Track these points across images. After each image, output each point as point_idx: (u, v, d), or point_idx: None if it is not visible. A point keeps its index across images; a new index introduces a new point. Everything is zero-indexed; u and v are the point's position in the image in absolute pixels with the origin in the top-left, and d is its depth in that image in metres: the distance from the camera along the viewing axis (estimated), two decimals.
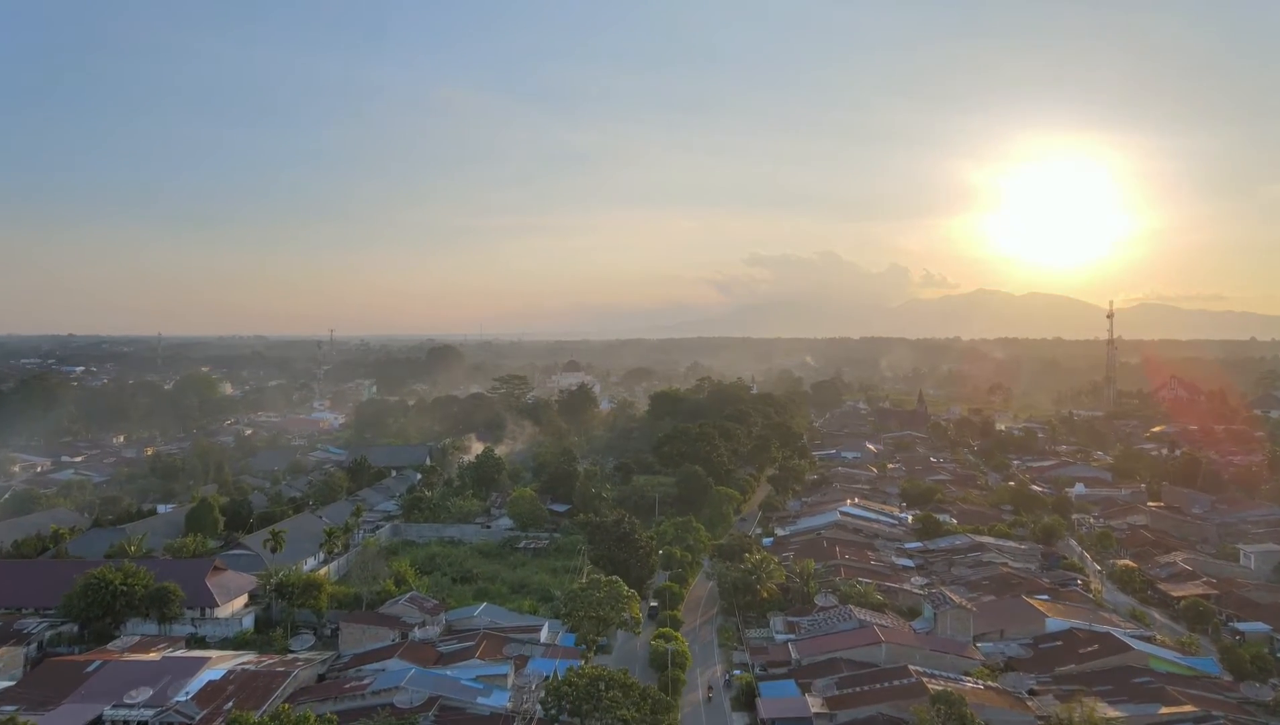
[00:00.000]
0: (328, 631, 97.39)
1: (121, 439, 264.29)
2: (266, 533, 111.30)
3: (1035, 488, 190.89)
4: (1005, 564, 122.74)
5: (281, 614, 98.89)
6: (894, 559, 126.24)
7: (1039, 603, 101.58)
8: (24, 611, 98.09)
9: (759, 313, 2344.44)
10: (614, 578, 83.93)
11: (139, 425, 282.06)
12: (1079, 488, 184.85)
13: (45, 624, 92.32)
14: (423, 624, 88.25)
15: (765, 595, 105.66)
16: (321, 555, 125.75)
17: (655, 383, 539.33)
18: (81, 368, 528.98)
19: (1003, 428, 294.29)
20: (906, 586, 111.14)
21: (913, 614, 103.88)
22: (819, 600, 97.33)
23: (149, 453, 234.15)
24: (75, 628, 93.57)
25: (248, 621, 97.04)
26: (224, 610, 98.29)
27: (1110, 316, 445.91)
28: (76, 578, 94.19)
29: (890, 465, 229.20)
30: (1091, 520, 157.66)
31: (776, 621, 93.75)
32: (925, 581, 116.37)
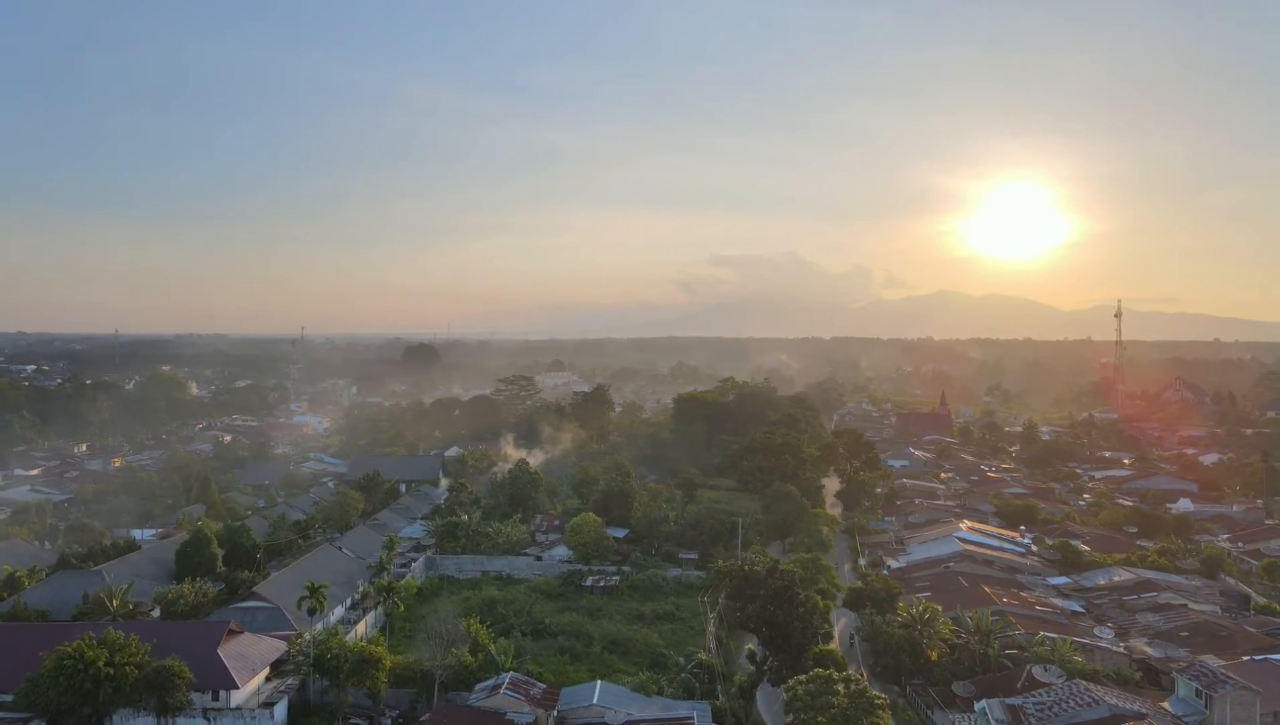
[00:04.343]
0: (387, 722, 73.07)
1: (84, 448, 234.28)
2: (303, 589, 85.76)
3: (1121, 502, 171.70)
4: (1186, 606, 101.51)
5: (323, 696, 74.33)
6: (1058, 601, 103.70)
7: None
8: None
9: (725, 312, 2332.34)
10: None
11: (101, 431, 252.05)
12: (1184, 503, 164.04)
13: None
14: (534, 723, 64.08)
15: (934, 657, 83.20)
16: (349, 601, 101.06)
17: (642, 383, 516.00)
18: (33, 367, 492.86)
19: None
20: (1102, 643, 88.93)
21: (1120, 681, 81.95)
22: (1038, 673, 74.46)
23: (117, 463, 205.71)
24: None
25: (280, 711, 71.92)
26: (243, 692, 73.32)
27: (1118, 316, 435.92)
28: (44, 655, 68.92)
29: (944, 475, 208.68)
30: (1224, 545, 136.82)
31: (993, 705, 70.62)
32: (1110, 632, 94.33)
